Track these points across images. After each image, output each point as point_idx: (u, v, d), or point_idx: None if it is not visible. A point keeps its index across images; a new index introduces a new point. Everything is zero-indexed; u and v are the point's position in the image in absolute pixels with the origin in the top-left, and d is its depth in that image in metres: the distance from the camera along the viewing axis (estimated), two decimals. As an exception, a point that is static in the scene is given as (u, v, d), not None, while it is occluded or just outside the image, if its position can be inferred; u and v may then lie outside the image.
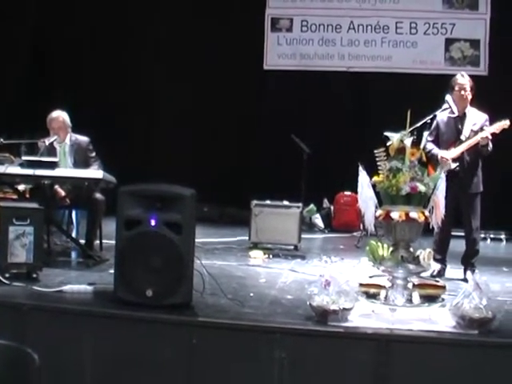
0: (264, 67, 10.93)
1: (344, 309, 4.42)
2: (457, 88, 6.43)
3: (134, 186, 4.87)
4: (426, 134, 6.00)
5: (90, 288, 5.08)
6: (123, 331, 4.48)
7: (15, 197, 6.91)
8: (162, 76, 10.92)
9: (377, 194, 5.09)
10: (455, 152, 6.34)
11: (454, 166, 6.25)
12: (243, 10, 10.49)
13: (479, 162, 6.47)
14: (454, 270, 6.56)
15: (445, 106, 6.47)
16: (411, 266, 4.97)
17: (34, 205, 5.55)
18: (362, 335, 4.37)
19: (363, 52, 10.74)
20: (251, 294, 5.35)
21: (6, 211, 5.33)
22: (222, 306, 4.83)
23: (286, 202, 7.97)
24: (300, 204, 8.07)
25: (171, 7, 10.85)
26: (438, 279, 5.68)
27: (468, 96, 6.43)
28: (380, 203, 5.10)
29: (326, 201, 10.68)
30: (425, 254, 4.97)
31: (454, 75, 6.62)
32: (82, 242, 6.69)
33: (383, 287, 5.05)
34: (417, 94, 9.32)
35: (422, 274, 5.27)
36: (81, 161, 6.84)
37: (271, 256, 7.38)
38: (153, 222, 4.66)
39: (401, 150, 5.06)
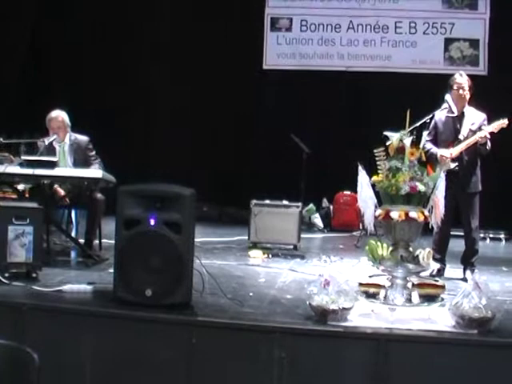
0: (263, 67, 10.94)
1: (343, 308, 4.43)
2: (455, 87, 6.43)
3: (133, 186, 4.87)
4: (425, 133, 6.00)
5: (89, 287, 5.08)
6: (123, 331, 4.48)
7: (15, 196, 6.90)
8: (161, 75, 10.92)
9: (376, 193, 5.09)
10: (454, 151, 6.34)
11: (453, 165, 6.25)
12: (243, 9, 10.49)
13: (478, 162, 6.47)
14: (453, 270, 6.56)
15: (444, 105, 6.48)
16: (411, 266, 4.96)
17: (34, 204, 5.54)
18: (362, 335, 4.37)
19: (362, 52, 10.74)
20: (251, 294, 5.35)
21: (6, 211, 5.33)
22: (222, 306, 4.83)
23: (285, 202, 7.98)
24: (299, 204, 8.07)
25: (171, 6, 10.85)
26: (437, 279, 5.67)
27: (466, 95, 6.44)
28: (379, 203, 5.10)
29: (325, 200, 10.68)
30: (424, 253, 4.97)
31: (453, 75, 6.63)
32: (82, 241, 6.69)
33: (383, 287, 5.04)
34: (416, 94, 9.32)
35: (422, 274, 5.26)
36: (80, 160, 6.84)
37: (270, 256, 7.38)
38: (152, 222, 4.66)
39: (400, 150, 5.06)
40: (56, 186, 6.70)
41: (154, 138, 11.08)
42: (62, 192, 6.79)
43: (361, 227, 8.16)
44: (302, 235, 8.12)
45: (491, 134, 6.31)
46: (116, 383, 4.45)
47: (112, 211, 5.01)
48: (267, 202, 7.95)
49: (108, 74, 10.58)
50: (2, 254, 5.21)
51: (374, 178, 5.07)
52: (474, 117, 6.44)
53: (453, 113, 6.44)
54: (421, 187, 4.92)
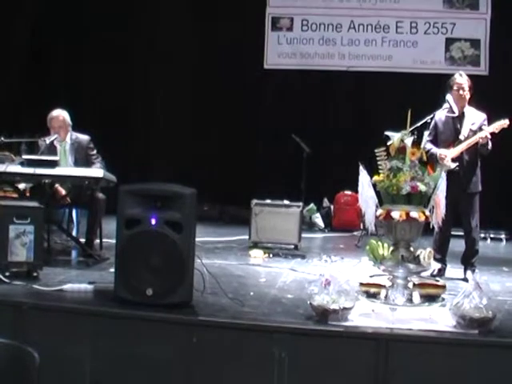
0: (264, 66, 10.93)
1: (344, 308, 4.43)
2: (455, 87, 6.43)
3: (134, 185, 4.87)
4: (426, 133, 6.00)
5: (90, 287, 5.08)
6: (123, 330, 4.49)
7: (15, 195, 6.90)
8: (162, 75, 10.92)
9: (377, 193, 5.09)
10: (454, 151, 6.34)
11: (453, 165, 6.24)
12: (244, 8, 10.48)
13: (478, 162, 6.47)
14: (454, 270, 6.56)
15: (445, 105, 6.47)
16: (411, 266, 4.96)
17: (35, 203, 5.54)
18: (362, 334, 4.38)
19: (363, 51, 10.73)
20: (251, 293, 5.36)
21: (7, 210, 5.33)
22: (223, 305, 4.83)
23: (286, 202, 7.98)
24: (300, 203, 8.07)
25: (172, 6, 10.85)
26: (438, 279, 5.67)
27: (466, 95, 6.43)
28: (380, 203, 5.10)
29: (326, 200, 10.67)
30: (425, 253, 4.97)
31: (453, 75, 6.62)
32: (83, 240, 6.69)
33: (383, 286, 5.04)
34: (417, 94, 9.32)
35: (423, 274, 5.26)
36: (81, 159, 6.84)
37: (271, 255, 7.38)
38: (153, 221, 4.66)
39: (401, 150, 5.05)
40: (57, 185, 6.70)
41: (155, 137, 11.08)
42: (62, 191, 6.79)
43: (361, 227, 8.15)
44: (303, 235, 8.12)
45: (492, 134, 6.31)
46: (116, 382, 4.45)
47: (113, 210, 5.02)
48: (268, 201, 7.95)
49: (110, 72, 10.57)
50: (2, 253, 5.21)
51: (375, 177, 5.07)
52: (474, 117, 6.44)
53: (454, 113, 6.44)
54: (422, 187, 4.92)
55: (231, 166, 10.45)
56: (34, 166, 6.09)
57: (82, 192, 6.73)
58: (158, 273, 4.60)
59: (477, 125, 6.40)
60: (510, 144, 8.13)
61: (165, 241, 4.62)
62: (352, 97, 10.85)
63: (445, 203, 5.03)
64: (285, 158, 10.19)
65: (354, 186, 5.33)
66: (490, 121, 6.41)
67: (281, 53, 10.95)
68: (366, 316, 4.66)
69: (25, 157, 6.35)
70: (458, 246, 6.74)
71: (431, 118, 6.46)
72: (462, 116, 6.44)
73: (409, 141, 5.04)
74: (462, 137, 6.38)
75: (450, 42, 10.55)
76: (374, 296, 5.05)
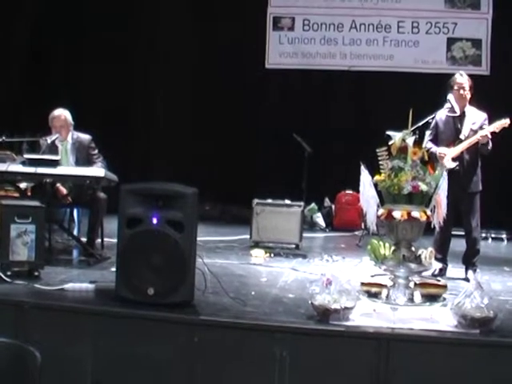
0: (266, 66, 10.93)
1: (345, 308, 4.43)
2: (456, 87, 6.43)
3: (135, 185, 4.87)
4: (428, 133, 6.01)
5: (91, 286, 5.08)
6: (124, 329, 4.49)
7: (17, 195, 6.90)
8: (162, 75, 10.93)
9: (379, 193, 5.09)
10: (455, 151, 6.34)
11: (453, 165, 6.24)
12: (245, 8, 10.48)
13: (478, 161, 6.47)
14: (455, 270, 6.56)
15: (447, 105, 6.47)
16: (413, 265, 4.97)
17: (36, 203, 5.54)
18: (364, 334, 4.37)
19: (365, 51, 10.73)
20: (253, 293, 5.36)
21: (8, 209, 5.33)
22: (224, 305, 4.83)
23: (287, 201, 7.97)
24: (301, 203, 8.07)
25: (172, 6, 10.85)
26: (439, 278, 5.68)
27: (467, 95, 6.43)
28: (382, 202, 5.10)
29: (327, 200, 10.67)
30: (426, 253, 4.97)
31: (454, 75, 6.62)
32: (84, 240, 6.70)
33: (385, 286, 5.05)
34: (418, 94, 9.32)
35: (424, 273, 5.27)
36: (83, 159, 6.84)
37: (272, 255, 7.38)
38: (154, 221, 4.66)
39: (403, 149, 5.06)
40: (58, 184, 6.69)
41: (156, 136, 11.08)
42: (64, 191, 6.79)
43: (363, 227, 8.14)
44: (304, 234, 8.12)
45: (492, 133, 6.31)
46: (117, 382, 4.45)
47: (114, 210, 5.02)
48: (269, 201, 7.95)
49: (109, 73, 10.56)
50: (4, 253, 5.22)
51: (377, 177, 5.08)
52: (474, 116, 6.44)
53: (455, 112, 6.44)
54: (423, 187, 4.93)
55: (232, 165, 10.44)
56: (36, 165, 6.09)
57: (84, 191, 6.73)
58: (159, 272, 4.60)
59: (477, 124, 6.39)
60: (511, 144, 8.12)
61: (166, 240, 4.62)
62: (353, 96, 10.85)
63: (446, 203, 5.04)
64: (286, 158, 10.19)
65: (355, 185, 5.34)
66: (491, 120, 6.40)
67: (282, 52, 10.95)
68: (367, 316, 4.66)
69: (26, 156, 6.35)
70: (459, 245, 6.74)
71: (433, 118, 6.47)
72: (462, 116, 6.44)
73: (410, 140, 5.05)
74: (462, 136, 6.38)
75: (451, 41, 10.55)
76: (376, 296, 5.06)
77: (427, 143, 6.14)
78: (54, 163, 6.21)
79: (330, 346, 4.34)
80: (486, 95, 6.60)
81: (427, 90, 9.22)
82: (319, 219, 10.47)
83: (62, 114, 6.92)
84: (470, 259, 6.46)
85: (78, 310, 4.60)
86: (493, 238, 9.79)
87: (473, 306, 4.37)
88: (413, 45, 10.64)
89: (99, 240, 6.85)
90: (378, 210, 5.06)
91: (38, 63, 10.94)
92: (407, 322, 4.56)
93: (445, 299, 5.08)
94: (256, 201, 7.88)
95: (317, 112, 10.74)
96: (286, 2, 10.95)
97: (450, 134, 6.45)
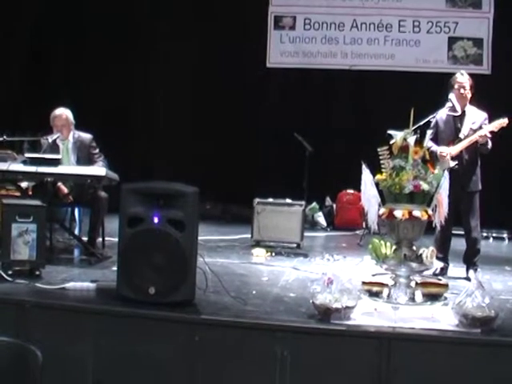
0: (267, 65, 10.93)
1: (347, 307, 4.43)
2: (456, 86, 6.43)
3: (136, 184, 4.87)
4: (429, 132, 6.00)
5: (92, 285, 5.08)
6: (126, 328, 4.49)
7: (18, 194, 6.90)
8: (162, 75, 10.91)
9: (380, 192, 5.09)
10: (454, 150, 6.33)
11: (453, 164, 6.24)
12: (246, 7, 10.48)
13: (478, 161, 6.47)
14: (456, 269, 6.55)
15: (448, 104, 6.47)
16: (414, 265, 4.97)
17: (37, 202, 5.55)
18: (365, 333, 4.37)
19: (366, 50, 10.73)
20: (254, 292, 5.36)
21: (9, 208, 5.33)
22: (225, 304, 4.83)
23: (288, 200, 7.98)
24: (302, 202, 8.08)
25: (173, 4, 10.85)
26: (440, 278, 5.68)
27: (467, 94, 6.43)
28: (383, 201, 5.10)
29: (328, 199, 10.67)
30: (428, 252, 4.97)
31: (455, 74, 6.62)
32: (85, 239, 6.70)
33: (386, 285, 5.05)
34: (420, 93, 9.30)
35: (425, 273, 5.27)
36: (84, 158, 6.84)
37: (274, 254, 7.38)
38: (156, 220, 4.66)
39: (404, 149, 5.06)
40: (59, 183, 6.70)
41: (157, 136, 11.08)
42: (65, 190, 6.79)
43: (364, 226, 8.15)
44: (305, 234, 8.13)
45: (492, 133, 6.31)
46: (118, 381, 4.45)
47: (115, 209, 5.02)
48: (270, 200, 7.95)
49: (109, 73, 10.57)
50: (5, 252, 5.22)
51: (378, 176, 5.08)
52: (475, 116, 6.44)
53: (456, 111, 6.44)
54: (424, 186, 4.93)
55: (233, 164, 10.44)
56: (37, 164, 6.09)
57: (85, 190, 6.73)
58: (160, 271, 4.60)
59: (477, 124, 6.40)
60: (511, 143, 8.12)
61: (167, 239, 4.62)
62: (354, 95, 10.84)
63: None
64: (287, 157, 10.18)
65: (356, 184, 5.33)
66: (492, 120, 6.40)
67: (283, 51, 10.95)
68: (368, 315, 4.66)
69: (27, 155, 6.35)
70: (460, 245, 6.73)
71: (434, 117, 6.47)
72: (463, 115, 6.44)
73: (412, 140, 5.05)
74: (462, 135, 6.38)
75: (452, 40, 10.55)
76: (377, 295, 5.06)
77: (428, 142, 6.14)
78: (55, 162, 6.22)
79: (331, 346, 4.34)
80: (487, 94, 6.60)
81: (428, 89, 9.22)
82: (320, 218, 10.47)
83: (64, 113, 6.92)
84: (470, 259, 6.46)
85: (79, 309, 4.61)
86: (494, 238, 9.79)
87: (474, 305, 4.37)
88: (414, 44, 10.64)
89: (100, 239, 6.85)
90: (379, 210, 5.06)
91: (38, 63, 10.94)
92: (408, 321, 4.55)
93: (446, 298, 5.08)
94: (257, 200, 7.88)
95: (318, 111, 10.73)
96: (287, 1, 10.95)
97: (450, 133, 6.45)
